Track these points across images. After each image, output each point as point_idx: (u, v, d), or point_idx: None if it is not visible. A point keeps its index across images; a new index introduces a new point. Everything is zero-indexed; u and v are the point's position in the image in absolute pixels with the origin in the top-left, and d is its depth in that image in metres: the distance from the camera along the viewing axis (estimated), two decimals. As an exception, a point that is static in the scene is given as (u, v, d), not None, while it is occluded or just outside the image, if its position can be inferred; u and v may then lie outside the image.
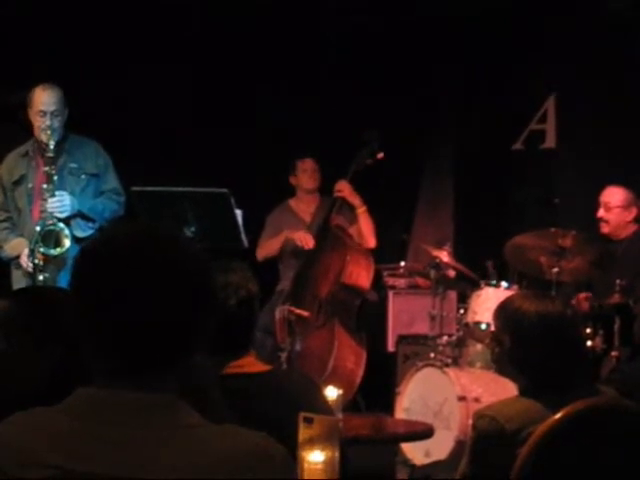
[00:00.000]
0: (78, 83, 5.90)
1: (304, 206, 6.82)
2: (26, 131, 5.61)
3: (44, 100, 5.40)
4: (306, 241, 6.40)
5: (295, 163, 6.79)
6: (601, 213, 6.02)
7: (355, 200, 6.51)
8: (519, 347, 2.92)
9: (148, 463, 1.52)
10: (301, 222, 6.74)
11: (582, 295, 5.83)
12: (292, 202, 6.87)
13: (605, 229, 6.03)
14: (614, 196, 6.01)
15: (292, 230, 6.61)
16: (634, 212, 6.01)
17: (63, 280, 5.25)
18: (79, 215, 5.44)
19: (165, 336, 1.58)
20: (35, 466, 1.55)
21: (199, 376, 2.29)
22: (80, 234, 5.43)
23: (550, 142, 7.45)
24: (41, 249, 5.31)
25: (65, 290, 3.18)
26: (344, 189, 6.47)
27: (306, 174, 6.76)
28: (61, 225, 5.34)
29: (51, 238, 5.34)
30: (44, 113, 5.38)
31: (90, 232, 5.46)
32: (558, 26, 7.10)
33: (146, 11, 6.75)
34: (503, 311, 3.00)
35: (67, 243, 5.32)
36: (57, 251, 5.32)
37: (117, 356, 1.58)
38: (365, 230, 6.53)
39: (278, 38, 7.10)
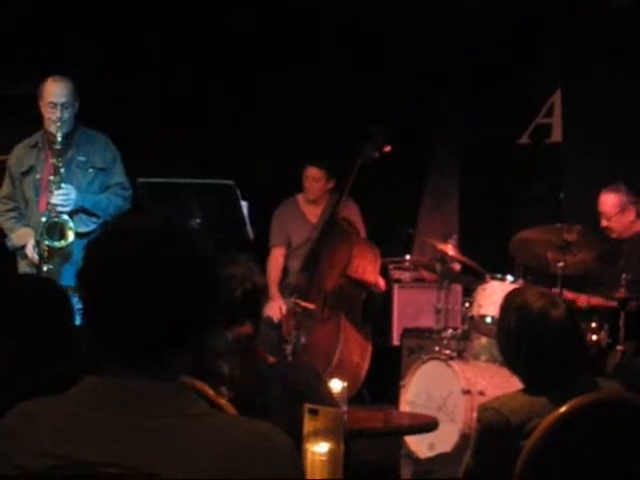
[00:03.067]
0: (83, 74, 5.89)
1: (311, 207, 6.67)
2: (31, 123, 5.60)
3: (55, 92, 5.35)
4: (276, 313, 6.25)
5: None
6: (604, 223, 6.01)
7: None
8: (518, 339, 2.93)
9: (155, 451, 1.52)
10: (307, 223, 6.62)
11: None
12: (301, 199, 6.69)
13: (613, 235, 6.01)
14: (608, 203, 5.99)
15: (297, 228, 6.56)
16: (633, 210, 5.99)
17: (67, 272, 5.23)
18: (82, 210, 5.41)
19: (170, 325, 1.58)
20: (42, 455, 1.55)
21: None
22: (83, 229, 5.38)
23: (556, 136, 7.44)
24: (45, 241, 5.29)
25: (22, 281, 3.19)
26: None
27: (307, 181, 6.59)
28: (65, 217, 5.31)
29: (55, 230, 5.32)
30: (54, 105, 5.34)
31: (93, 227, 5.42)
32: (559, 20, 7.09)
33: (148, 6, 6.75)
34: (507, 302, 3.02)
35: (71, 236, 5.30)
36: (61, 243, 5.29)
37: (123, 345, 1.59)
38: None
39: (278, 33, 7.11)
